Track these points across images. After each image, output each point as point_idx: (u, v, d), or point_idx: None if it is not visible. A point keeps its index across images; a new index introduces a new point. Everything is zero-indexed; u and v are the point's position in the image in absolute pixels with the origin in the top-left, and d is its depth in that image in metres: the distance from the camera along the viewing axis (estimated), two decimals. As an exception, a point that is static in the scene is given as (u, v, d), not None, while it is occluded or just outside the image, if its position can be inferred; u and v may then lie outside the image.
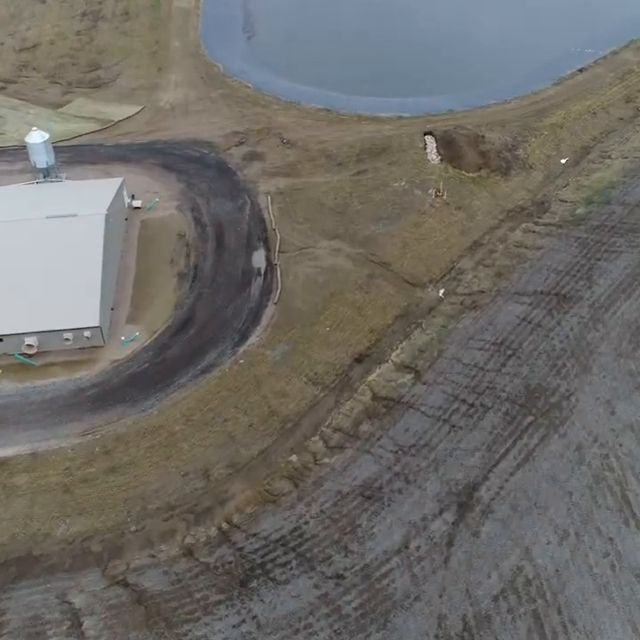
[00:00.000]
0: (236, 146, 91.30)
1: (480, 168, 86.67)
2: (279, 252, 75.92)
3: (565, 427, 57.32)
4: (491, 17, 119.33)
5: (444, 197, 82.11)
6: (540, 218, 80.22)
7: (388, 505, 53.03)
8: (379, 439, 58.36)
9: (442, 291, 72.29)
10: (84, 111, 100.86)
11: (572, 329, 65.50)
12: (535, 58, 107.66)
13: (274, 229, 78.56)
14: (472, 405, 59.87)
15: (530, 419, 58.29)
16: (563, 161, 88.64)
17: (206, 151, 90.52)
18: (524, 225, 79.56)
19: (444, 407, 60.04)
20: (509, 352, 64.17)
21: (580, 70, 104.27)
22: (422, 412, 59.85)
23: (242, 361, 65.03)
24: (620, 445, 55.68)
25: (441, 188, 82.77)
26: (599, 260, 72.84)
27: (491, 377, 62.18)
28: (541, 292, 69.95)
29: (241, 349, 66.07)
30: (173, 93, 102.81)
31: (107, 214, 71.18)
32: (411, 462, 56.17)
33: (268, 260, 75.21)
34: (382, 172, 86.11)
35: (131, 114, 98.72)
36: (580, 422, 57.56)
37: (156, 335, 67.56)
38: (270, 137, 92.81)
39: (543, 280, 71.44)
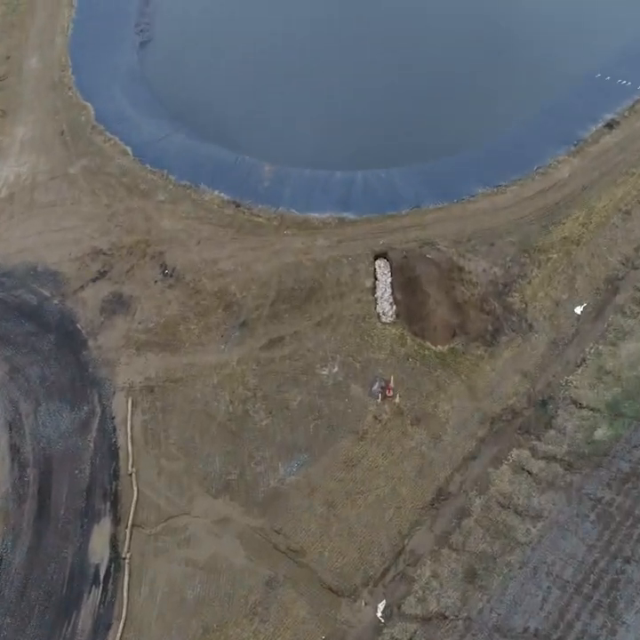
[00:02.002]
0: (93, 281, 61.30)
1: (454, 334, 57.85)
2: (133, 525, 48.95)
3: None
4: (478, 24, 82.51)
5: (397, 400, 54.08)
6: (539, 439, 52.86)
7: None
8: None
9: (382, 606, 46.47)
10: None
11: None
12: (543, 96, 74.49)
13: (130, 474, 51.04)
14: None
15: None
16: (578, 310, 59.71)
17: (48, 293, 60.52)
18: (515, 454, 52.28)
19: None
20: None
21: (609, 125, 71.67)
22: None
23: None
24: None
25: (392, 382, 54.56)
26: (629, 560, 46.42)
27: None
28: (535, 634, 44.16)
29: None
30: (16, 164, 70.58)
31: None
32: None
33: (113, 544, 48.34)
34: (306, 344, 57.21)
35: (-50, 206, 67.52)
36: None
37: None
38: (147, 262, 62.52)
39: (539, 601, 45.36)
